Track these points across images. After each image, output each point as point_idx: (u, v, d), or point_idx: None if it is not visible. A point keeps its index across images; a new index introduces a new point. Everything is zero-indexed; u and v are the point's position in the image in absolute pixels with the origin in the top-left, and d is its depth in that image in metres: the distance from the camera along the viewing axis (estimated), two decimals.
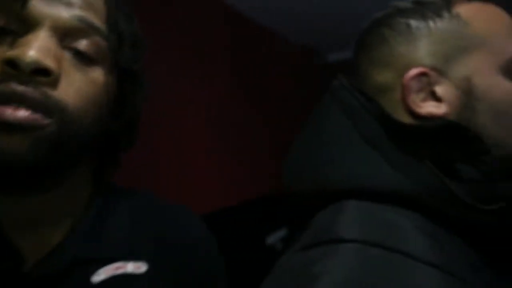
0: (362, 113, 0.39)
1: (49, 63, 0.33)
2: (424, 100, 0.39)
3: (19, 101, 0.32)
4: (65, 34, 0.36)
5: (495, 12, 0.41)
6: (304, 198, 0.41)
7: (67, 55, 0.36)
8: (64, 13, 0.36)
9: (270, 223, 2.19)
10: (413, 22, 0.40)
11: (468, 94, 0.38)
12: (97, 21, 0.38)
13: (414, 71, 0.39)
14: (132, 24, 0.44)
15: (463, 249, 0.35)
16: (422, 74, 0.39)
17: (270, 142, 2.36)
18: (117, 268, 0.41)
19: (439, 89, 0.39)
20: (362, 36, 0.44)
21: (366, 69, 0.43)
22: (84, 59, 0.37)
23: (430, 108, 0.39)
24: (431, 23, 0.40)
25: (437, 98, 0.39)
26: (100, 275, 0.40)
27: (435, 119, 0.38)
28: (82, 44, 0.37)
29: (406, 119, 0.39)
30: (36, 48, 0.33)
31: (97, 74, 0.39)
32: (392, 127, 0.37)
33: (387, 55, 0.41)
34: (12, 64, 0.32)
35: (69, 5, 0.36)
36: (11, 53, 0.33)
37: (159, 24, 1.54)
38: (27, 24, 0.34)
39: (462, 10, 0.40)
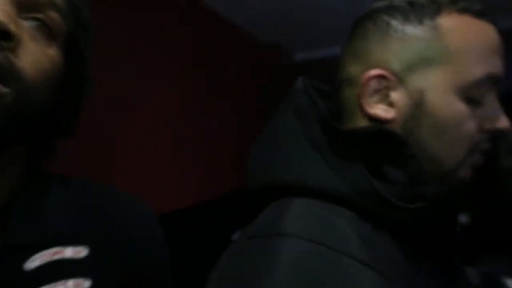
0: (308, 117, 0.40)
1: (12, 27, 0.32)
2: (378, 101, 0.40)
3: None
4: (23, 5, 0.35)
5: (479, 32, 0.39)
6: (258, 195, 0.43)
7: (26, 26, 0.36)
8: None
9: (236, 219, 2.20)
10: (394, 23, 0.40)
11: (418, 106, 0.39)
12: None
13: (374, 72, 0.40)
14: (87, 10, 0.44)
15: (391, 247, 0.37)
16: (382, 77, 0.39)
17: (234, 140, 2.34)
18: (55, 253, 0.39)
19: (394, 95, 0.40)
20: (354, 25, 0.44)
21: (344, 58, 0.44)
22: (42, 32, 0.37)
23: (379, 110, 0.40)
24: (408, 28, 0.40)
25: (389, 103, 0.40)
26: (35, 261, 0.37)
27: (372, 124, 0.40)
28: (40, 17, 0.36)
29: (359, 116, 0.41)
30: None
31: (54, 51, 0.38)
32: (330, 131, 0.39)
33: (362, 49, 0.42)
34: None
35: None
36: None
37: (118, 17, 1.47)
38: None
39: (446, 21, 0.39)
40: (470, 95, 0.38)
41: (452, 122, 0.38)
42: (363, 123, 0.41)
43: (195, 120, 1.99)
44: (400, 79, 0.39)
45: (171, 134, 1.81)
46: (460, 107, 0.38)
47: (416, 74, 0.39)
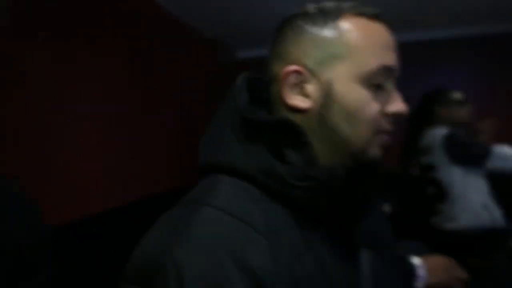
0: (234, 107, 0.48)
1: None
2: (296, 93, 0.47)
3: None
4: None
5: (373, 31, 0.46)
6: (202, 173, 0.50)
7: None
8: None
9: None
10: (306, 26, 0.47)
11: (328, 95, 0.46)
12: None
13: (290, 68, 0.47)
14: None
15: (288, 219, 0.44)
16: (297, 72, 0.47)
17: (175, 134, 2.29)
18: None
19: (308, 87, 0.47)
20: (276, 30, 0.51)
21: (269, 59, 0.51)
22: None
23: (296, 101, 0.47)
24: (317, 30, 0.47)
25: (305, 94, 0.47)
26: None
27: (278, 115, 0.48)
28: None
29: (281, 106, 0.49)
30: None
31: None
32: (245, 120, 0.46)
33: (282, 50, 0.49)
34: None
35: None
36: None
37: (48, 9, 1.35)
38: None
39: (346, 23, 0.46)
40: (370, 82, 0.45)
41: (356, 106, 0.45)
42: (285, 112, 0.48)
43: (134, 116, 1.91)
44: (313, 73, 0.46)
45: (109, 129, 1.72)
46: (362, 93, 0.45)
47: (325, 68, 0.46)
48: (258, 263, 0.39)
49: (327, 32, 0.46)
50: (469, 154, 1.63)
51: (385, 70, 0.46)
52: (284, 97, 0.48)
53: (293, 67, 0.47)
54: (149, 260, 0.39)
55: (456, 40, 2.97)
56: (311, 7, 0.49)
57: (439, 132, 1.71)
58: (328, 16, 0.47)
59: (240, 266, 0.38)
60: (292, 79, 0.47)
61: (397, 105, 0.47)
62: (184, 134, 2.31)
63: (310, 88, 0.47)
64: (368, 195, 0.50)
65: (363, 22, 0.46)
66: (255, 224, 0.41)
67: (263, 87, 0.51)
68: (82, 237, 1.46)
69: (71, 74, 1.48)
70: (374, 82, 0.45)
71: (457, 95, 1.81)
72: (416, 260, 0.85)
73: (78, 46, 1.53)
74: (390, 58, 0.47)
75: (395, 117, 0.48)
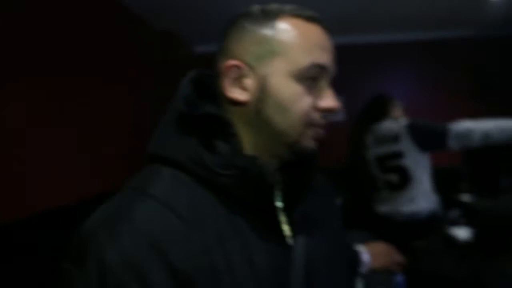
0: (174, 101, 0.51)
1: None
2: (235, 87, 0.50)
3: None
4: None
5: (308, 31, 0.49)
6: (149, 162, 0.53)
7: None
8: None
9: None
10: (247, 25, 0.50)
11: (263, 89, 0.49)
12: None
13: (230, 63, 0.50)
14: None
15: (214, 205, 0.48)
16: (237, 66, 0.50)
17: (128, 125, 2.22)
18: None
19: (246, 81, 0.50)
20: (223, 29, 0.54)
21: (217, 56, 0.53)
22: None
23: (236, 94, 0.50)
24: (256, 29, 0.50)
25: (244, 88, 0.50)
26: None
27: (212, 109, 0.51)
28: None
29: (224, 99, 0.52)
30: None
31: None
32: (179, 113, 0.50)
33: (226, 47, 0.52)
34: None
35: None
36: None
37: None
38: None
39: (283, 23, 0.49)
40: (303, 78, 0.48)
41: (289, 100, 0.48)
42: (226, 105, 0.52)
43: (85, 108, 1.83)
44: (251, 68, 0.49)
45: (56, 124, 1.63)
46: (295, 88, 0.48)
47: (262, 63, 0.49)
48: (174, 248, 0.42)
49: (265, 31, 0.49)
50: (432, 137, 1.71)
51: (318, 68, 0.49)
52: (225, 90, 0.51)
53: (233, 62, 0.50)
54: (80, 240, 0.44)
55: (401, 44, 3.18)
56: (254, 8, 0.52)
57: (401, 122, 1.82)
58: (268, 16, 0.50)
59: (156, 250, 0.41)
60: (232, 73, 0.50)
61: (329, 101, 0.50)
62: (135, 129, 2.24)
63: (248, 82, 0.50)
64: (301, 184, 0.53)
65: (299, 23, 0.50)
66: (178, 210, 0.45)
67: (213, 83, 0.54)
68: (29, 235, 1.39)
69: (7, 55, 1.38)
70: (307, 78, 0.48)
71: (398, 102, 1.98)
72: (360, 248, 0.92)
73: (32, 39, 1.43)
74: (323, 57, 0.50)
75: (327, 112, 0.51)
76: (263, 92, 0.49)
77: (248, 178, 0.47)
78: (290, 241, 0.52)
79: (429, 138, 1.72)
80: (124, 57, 2.25)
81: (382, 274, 0.94)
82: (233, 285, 0.44)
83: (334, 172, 2.78)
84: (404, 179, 1.82)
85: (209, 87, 0.54)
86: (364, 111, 2.05)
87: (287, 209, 0.52)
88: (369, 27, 2.94)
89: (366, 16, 2.67)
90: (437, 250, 1.55)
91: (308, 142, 0.51)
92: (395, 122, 1.86)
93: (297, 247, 0.52)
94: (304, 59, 0.48)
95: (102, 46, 2.00)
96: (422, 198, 1.80)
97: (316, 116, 0.51)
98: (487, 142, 1.52)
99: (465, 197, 2.49)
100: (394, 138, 1.82)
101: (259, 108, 0.50)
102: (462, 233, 1.92)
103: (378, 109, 1.97)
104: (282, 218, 0.52)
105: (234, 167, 0.47)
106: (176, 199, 0.46)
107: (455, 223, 2.15)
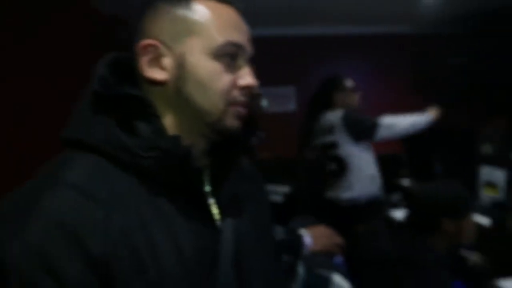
0: (91, 83, 0.49)
1: None
2: (153, 67, 0.50)
3: None
4: None
5: (222, 12, 0.51)
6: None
7: None
8: None
9: None
10: (163, 5, 0.51)
11: (181, 67, 0.49)
12: None
13: (145, 42, 0.49)
14: None
15: (136, 188, 0.46)
16: (153, 46, 0.49)
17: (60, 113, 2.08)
18: None
19: (164, 60, 0.50)
20: (140, 11, 0.53)
21: (134, 38, 0.52)
22: None
23: (154, 73, 0.50)
24: (172, 8, 0.50)
25: (162, 67, 0.50)
26: None
27: (129, 89, 0.48)
28: None
29: (143, 80, 0.50)
30: None
31: None
32: (96, 94, 0.47)
33: (142, 28, 0.51)
34: None
35: None
36: None
37: None
38: None
39: (198, 4, 0.50)
40: (219, 56, 0.49)
41: (208, 77, 0.49)
42: (146, 86, 0.51)
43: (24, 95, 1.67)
44: (168, 47, 0.50)
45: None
46: (214, 65, 0.49)
47: (178, 42, 0.49)
48: (91, 236, 0.41)
49: (181, 11, 0.50)
50: (363, 129, 1.88)
51: (233, 46, 0.50)
52: (143, 70, 0.50)
53: (149, 41, 0.49)
54: None
55: (354, 37, 3.31)
56: None
57: (338, 114, 1.93)
58: None
59: (70, 240, 0.40)
60: (149, 52, 0.49)
61: (247, 79, 0.51)
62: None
63: (166, 61, 0.50)
64: (228, 167, 0.54)
65: (214, 4, 0.51)
66: (96, 195, 0.43)
67: (133, 65, 0.52)
68: None
69: None
70: (224, 56, 0.49)
71: (350, 82, 2.05)
72: (303, 231, 0.95)
73: None
74: (238, 36, 0.51)
75: (246, 90, 0.52)
76: (181, 70, 0.49)
77: (172, 160, 0.46)
78: (218, 224, 0.52)
79: (360, 130, 1.90)
80: (71, 47, 2.09)
81: (323, 256, 0.98)
82: (158, 270, 0.44)
83: (286, 161, 2.88)
84: (341, 168, 1.93)
85: (132, 71, 0.52)
86: (311, 100, 2.11)
87: (215, 192, 0.52)
88: (319, 19, 3.01)
89: (315, 8, 2.72)
90: (377, 232, 1.65)
91: (231, 121, 0.51)
92: (334, 113, 1.95)
93: (225, 230, 0.52)
94: (219, 37, 0.49)
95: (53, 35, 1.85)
96: (359, 185, 1.93)
97: (237, 94, 0.51)
98: (405, 135, 1.90)
99: (405, 182, 2.68)
100: (331, 129, 1.93)
101: (179, 87, 0.49)
102: (400, 215, 2.07)
103: (324, 97, 2.04)
104: (211, 201, 0.52)
105: (157, 148, 0.46)
106: (92, 185, 0.44)
107: (396, 206, 2.31)
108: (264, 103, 2.96)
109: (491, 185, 2.06)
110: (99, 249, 0.41)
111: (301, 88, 2.77)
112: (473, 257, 1.68)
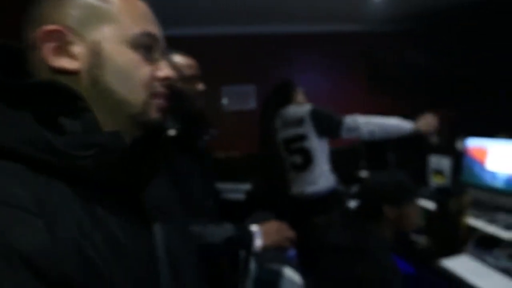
0: None
1: None
2: (61, 55, 0.46)
3: None
4: None
5: (133, 2, 0.50)
6: None
7: None
8: None
9: None
10: None
11: (97, 55, 0.46)
12: None
13: (48, 27, 0.45)
14: None
15: (66, 194, 0.40)
16: (58, 32, 0.45)
17: None
18: None
19: (74, 48, 0.46)
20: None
21: (25, 28, 0.47)
22: None
23: (63, 62, 0.46)
24: None
25: (72, 56, 0.46)
26: None
27: (47, 78, 0.44)
28: None
29: (48, 74, 0.45)
30: None
31: None
32: (2, 87, 0.41)
33: (41, 15, 0.46)
34: None
35: None
36: None
37: None
38: None
39: None
40: (136, 45, 0.48)
41: (129, 67, 0.48)
42: (50, 76, 0.45)
43: None
44: (77, 34, 0.46)
45: None
46: (132, 55, 0.48)
47: (91, 29, 0.47)
48: (31, 244, 0.35)
49: None
50: (329, 125, 1.93)
51: (149, 37, 0.50)
52: (48, 60, 0.45)
53: (52, 27, 0.45)
54: None
55: (306, 35, 3.40)
56: None
57: (306, 107, 1.98)
58: None
59: (6, 253, 0.34)
60: (53, 39, 0.45)
61: (165, 71, 0.51)
62: None
63: (76, 48, 0.46)
64: (154, 160, 0.52)
65: None
66: (24, 205, 0.37)
67: (23, 59, 0.47)
68: None
69: None
70: (141, 46, 0.48)
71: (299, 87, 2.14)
72: (254, 227, 0.99)
73: None
74: (152, 27, 0.51)
75: (165, 81, 0.51)
76: (97, 59, 0.46)
77: (113, 156, 0.43)
78: (151, 227, 0.51)
79: (326, 126, 1.94)
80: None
81: (274, 251, 1.02)
82: (110, 275, 0.41)
83: (247, 159, 2.90)
84: (307, 160, 2.00)
85: (19, 62, 0.47)
86: (270, 98, 2.16)
87: (139, 188, 0.51)
88: (277, 18, 3.06)
89: (274, 7, 2.77)
90: (332, 222, 1.73)
91: (154, 113, 0.50)
92: (301, 106, 2.01)
93: (157, 231, 0.52)
94: (135, 27, 0.48)
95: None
96: (322, 178, 2.00)
97: (158, 85, 0.51)
98: (372, 138, 1.86)
99: (363, 173, 2.80)
100: (299, 121, 1.98)
101: (94, 77, 0.46)
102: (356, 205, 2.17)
103: (284, 95, 2.10)
104: (142, 204, 0.51)
105: (95, 145, 0.42)
106: (16, 196, 0.37)
107: (354, 197, 2.41)
108: (250, 104, 2.97)
109: (439, 172, 2.21)
110: (44, 255, 0.35)
111: (262, 87, 2.81)
112: (421, 240, 1.81)
